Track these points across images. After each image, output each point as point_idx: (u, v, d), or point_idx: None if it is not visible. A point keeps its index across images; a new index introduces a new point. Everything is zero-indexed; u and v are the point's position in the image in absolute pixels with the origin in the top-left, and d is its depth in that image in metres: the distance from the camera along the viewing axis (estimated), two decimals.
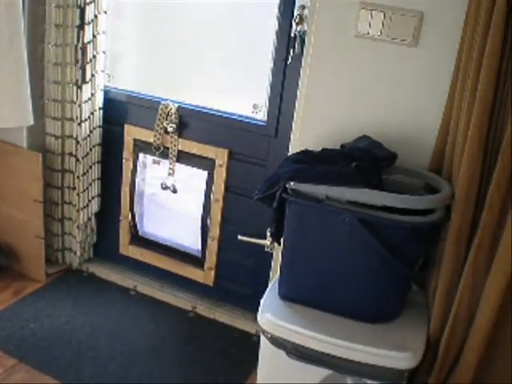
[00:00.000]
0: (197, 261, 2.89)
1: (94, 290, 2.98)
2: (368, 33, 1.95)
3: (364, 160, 1.74)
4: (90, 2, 2.58)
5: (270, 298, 1.88)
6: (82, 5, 2.59)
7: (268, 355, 1.88)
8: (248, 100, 2.57)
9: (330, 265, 1.76)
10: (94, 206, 2.97)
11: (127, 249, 3.05)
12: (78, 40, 2.64)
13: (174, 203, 2.90)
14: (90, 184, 2.90)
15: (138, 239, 3.03)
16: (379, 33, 1.94)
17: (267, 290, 1.94)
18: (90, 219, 2.99)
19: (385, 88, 1.99)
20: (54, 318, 2.73)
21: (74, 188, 2.89)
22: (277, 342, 1.78)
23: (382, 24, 1.93)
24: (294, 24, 2.31)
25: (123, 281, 3.05)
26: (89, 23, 2.62)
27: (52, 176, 2.92)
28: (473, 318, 1.68)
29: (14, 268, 3.06)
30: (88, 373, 2.42)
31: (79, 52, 2.66)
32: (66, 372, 2.41)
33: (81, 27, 2.62)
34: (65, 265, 3.12)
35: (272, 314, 1.79)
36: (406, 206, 1.65)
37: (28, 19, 2.68)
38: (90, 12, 2.60)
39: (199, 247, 2.87)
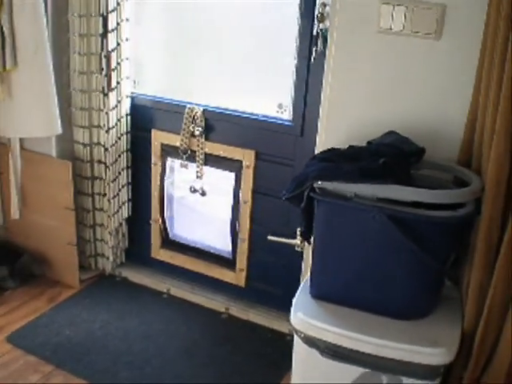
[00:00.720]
0: (228, 262, 2.90)
1: (128, 295, 3.01)
2: (390, 28, 1.94)
3: (391, 156, 1.73)
4: (113, 11, 2.61)
5: (301, 298, 1.88)
6: (105, 13, 2.61)
7: (302, 355, 1.87)
8: (273, 100, 2.57)
9: (361, 262, 1.75)
10: (125, 212, 3.00)
11: (158, 252, 3.07)
12: (102, 48, 2.67)
13: (203, 206, 2.91)
14: (120, 190, 2.93)
15: (169, 243, 3.05)
16: (402, 27, 1.92)
17: (299, 289, 1.94)
18: (121, 224, 3.02)
19: (410, 82, 1.97)
20: (89, 324, 2.76)
21: (105, 194, 2.92)
22: (310, 341, 1.77)
23: (404, 18, 1.91)
24: (315, 22, 2.30)
25: (156, 284, 3.07)
26: (112, 31, 2.64)
27: (82, 183, 2.96)
28: (507, 311, 1.66)
29: (47, 275, 3.10)
30: (124, 376, 2.45)
31: (104, 60, 2.69)
32: (103, 376, 2.44)
33: (104, 35, 2.65)
34: (98, 270, 3.15)
35: (304, 314, 1.79)
36: (436, 201, 1.64)
37: (52, 29, 2.72)
38: (112, 20, 2.63)
39: (230, 249, 2.88)
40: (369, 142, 1.89)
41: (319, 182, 1.70)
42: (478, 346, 1.73)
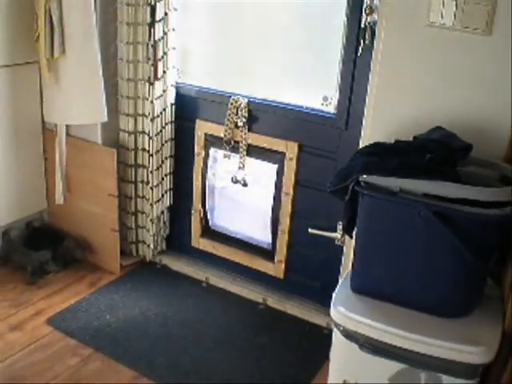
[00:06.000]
0: (267, 254, 2.91)
1: (167, 282, 3.04)
2: (440, 22, 1.92)
3: (438, 152, 1.71)
4: (161, 0, 2.63)
5: (342, 291, 1.88)
6: (153, 2, 2.63)
7: (340, 348, 1.87)
8: (318, 92, 2.56)
9: (404, 258, 1.74)
10: (167, 200, 3.03)
11: (199, 241, 3.10)
12: (150, 37, 2.69)
13: (244, 196, 2.92)
14: (163, 178, 2.96)
15: (210, 232, 3.08)
16: (452, 22, 1.90)
17: (339, 283, 1.94)
18: (162, 213, 3.05)
19: (458, 78, 1.95)
20: (129, 309, 2.80)
21: (148, 182, 2.95)
22: (349, 335, 1.77)
23: (455, 12, 1.89)
24: (363, 14, 2.29)
25: (195, 273, 3.10)
26: (159, 21, 2.66)
27: (126, 171, 2.99)
28: None
29: (89, 260, 3.15)
30: (161, 362, 2.48)
31: (151, 49, 2.71)
32: (141, 362, 2.47)
33: (152, 25, 2.67)
34: (138, 257, 3.19)
35: (344, 307, 1.79)
36: (481, 198, 1.62)
37: (100, 18, 2.75)
38: (160, 9, 2.65)
39: (269, 240, 2.89)
40: (415, 137, 1.88)
41: (364, 176, 1.70)
42: None
